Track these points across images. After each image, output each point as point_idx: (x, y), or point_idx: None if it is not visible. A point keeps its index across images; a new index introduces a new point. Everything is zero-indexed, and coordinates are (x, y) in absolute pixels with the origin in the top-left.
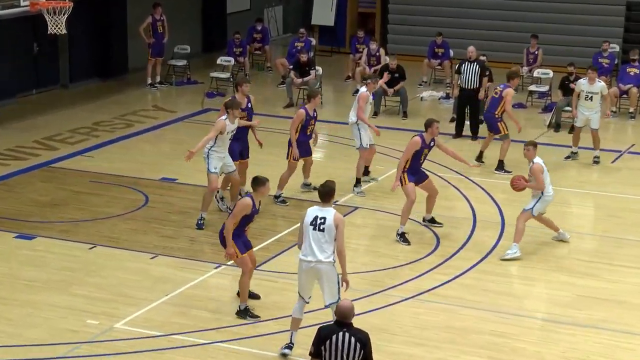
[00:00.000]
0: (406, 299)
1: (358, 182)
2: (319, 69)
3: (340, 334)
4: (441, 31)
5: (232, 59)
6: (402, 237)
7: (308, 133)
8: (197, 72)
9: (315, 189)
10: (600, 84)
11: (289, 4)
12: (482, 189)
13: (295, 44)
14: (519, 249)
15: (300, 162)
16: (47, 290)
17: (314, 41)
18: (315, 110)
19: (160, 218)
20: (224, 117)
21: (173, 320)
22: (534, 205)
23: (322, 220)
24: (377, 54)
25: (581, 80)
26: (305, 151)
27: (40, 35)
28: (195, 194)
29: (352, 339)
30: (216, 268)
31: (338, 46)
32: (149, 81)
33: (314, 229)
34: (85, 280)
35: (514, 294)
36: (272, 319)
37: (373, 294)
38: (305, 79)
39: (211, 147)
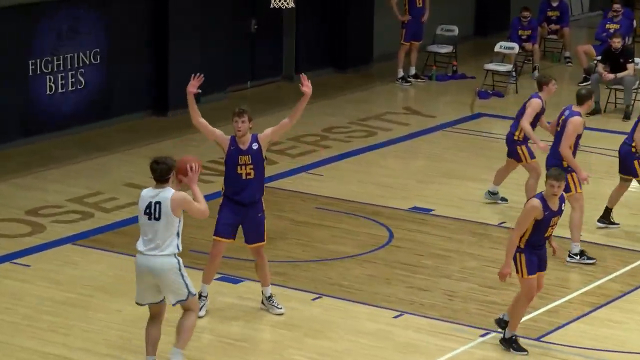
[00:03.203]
0: None
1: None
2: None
3: None
4: None
5: (516, 45)
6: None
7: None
8: (467, 62)
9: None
10: None
11: None
12: None
13: (607, 25)
14: None
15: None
16: (256, 353)
17: (634, 22)
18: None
19: (409, 262)
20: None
21: None
22: None
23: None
24: None
25: None
26: (530, 152)
27: (260, 11)
28: (458, 230)
29: None
30: (483, 336)
31: None
32: (401, 74)
33: None
34: (305, 342)
35: None
36: None
37: None
38: (620, 75)
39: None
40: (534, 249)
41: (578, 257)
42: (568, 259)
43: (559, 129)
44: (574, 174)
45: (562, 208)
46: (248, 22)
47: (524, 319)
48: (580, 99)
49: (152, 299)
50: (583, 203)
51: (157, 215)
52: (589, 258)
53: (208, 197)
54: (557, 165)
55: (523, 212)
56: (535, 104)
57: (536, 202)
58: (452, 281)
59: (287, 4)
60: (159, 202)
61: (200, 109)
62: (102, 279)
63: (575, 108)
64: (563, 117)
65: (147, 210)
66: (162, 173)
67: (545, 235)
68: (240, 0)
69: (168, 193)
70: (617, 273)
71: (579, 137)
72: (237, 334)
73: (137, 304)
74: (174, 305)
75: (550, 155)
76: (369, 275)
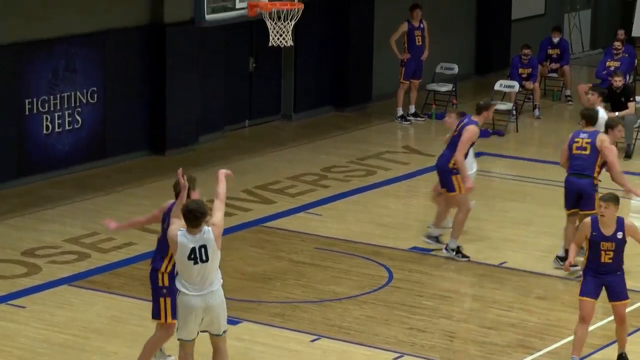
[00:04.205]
0: None
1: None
2: None
3: None
4: None
5: (516, 84)
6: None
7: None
8: (467, 100)
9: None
10: None
11: (600, 6)
12: None
13: (607, 62)
14: None
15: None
16: None
17: (635, 60)
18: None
19: (409, 303)
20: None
21: None
22: None
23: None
24: None
25: None
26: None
27: (257, 48)
28: (459, 270)
29: None
30: None
31: None
32: (400, 112)
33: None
34: None
35: None
36: None
37: None
38: (621, 113)
39: None
40: (594, 273)
41: (454, 252)
42: (444, 250)
43: (455, 134)
44: (459, 176)
45: (618, 236)
46: (246, 61)
47: None
48: (478, 110)
49: (195, 334)
50: (469, 206)
51: (204, 258)
52: (463, 256)
53: None
54: (444, 166)
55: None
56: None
57: (587, 220)
58: (452, 322)
59: (286, 42)
60: (204, 246)
61: (198, 148)
62: (98, 321)
63: (474, 117)
64: (461, 124)
65: (192, 256)
66: (199, 220)
67: (602, 261)
68: (238, 38)
69: (209, 234)
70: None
71: (472, 144)
72: None
73: (183, 340)
74: (222, 334)
75: (441, 156)
76: (368, 317)
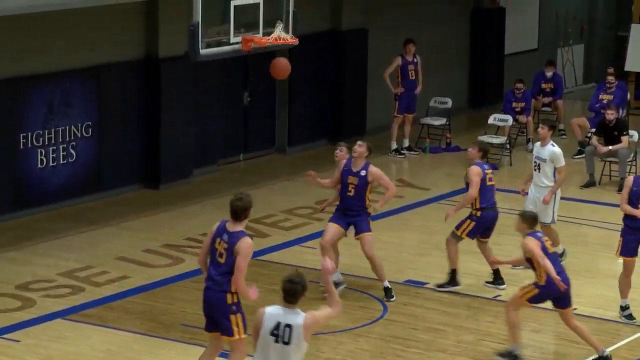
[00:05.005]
0: None
1: None
2: (635, 134)
3: None
4: None
5: (510, 118)
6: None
7: None
8: (461, 134)
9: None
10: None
11: (593, 41)
12: None
13: (600, 96)
14: None
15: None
16: None
17: (628, 94)
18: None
19: (403, 336)
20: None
21: None
22: None
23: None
24: None
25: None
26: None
27: (252, 82)
28: (453, 304)
29: None
30: None
31: None
32: (394, 146)
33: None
34: None
35: None
36: None
37: None
38: (614, 147)
39: None
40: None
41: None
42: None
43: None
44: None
45: None
46: (241, 94)
47: None
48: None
49: None
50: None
51: (286, 340)
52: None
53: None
54: None
55: None
56: (475, 170)
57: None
58: (447, 355)
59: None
60: (289, 326)
61: (192, 181)
62: (92, 354)
63: None
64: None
65: (275, 332)
66: (297, 295)
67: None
68: (233, 72)
69: (299, 318)
70: (614, 347)
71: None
72: None
73: None
74: None
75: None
76: (363, 350)
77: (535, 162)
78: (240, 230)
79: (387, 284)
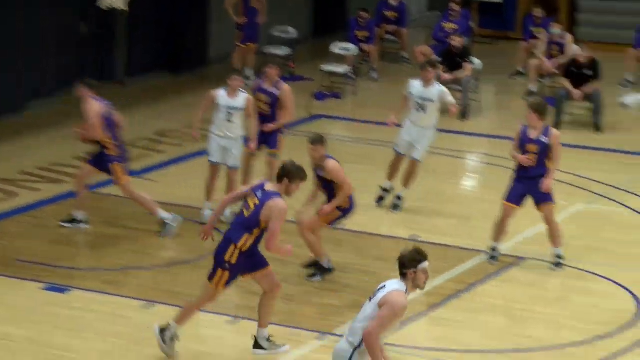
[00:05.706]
0: None
1: None
2: (477, 62)
3: None
4: None
5: (353, 47)
6: None
7: None
8: (304, 64)
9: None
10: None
11: None
12: None
13: (444, 24)
14: None
15: None
16: None
17: (472, 22)
18: None
19: None
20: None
21: None
22: None
23: None
24: (562, 41)
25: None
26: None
27: (89, 11)
28: (297, 234)
29: None
30: (319, 339)
31: (505, 30)
32: None
33: None
34: (138, 351)
35: None
36: None
37: None
38: (457, 74)
39: None
40: None
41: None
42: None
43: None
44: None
45: None
46: (75, 23)
47: None
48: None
49: None
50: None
51: None
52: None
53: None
54: None
55: None
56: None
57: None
58: (291, 286)
59: (120, 4)
60: None
61: (27, 116)
62: None
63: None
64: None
65: None
66: None
67: None
68: (69, 3)
69: None
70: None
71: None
72: (63, 345)
73: None
74: None
75: None
76: (202, 282)
77: (418, 102)
78: (276, 192)
79: None
